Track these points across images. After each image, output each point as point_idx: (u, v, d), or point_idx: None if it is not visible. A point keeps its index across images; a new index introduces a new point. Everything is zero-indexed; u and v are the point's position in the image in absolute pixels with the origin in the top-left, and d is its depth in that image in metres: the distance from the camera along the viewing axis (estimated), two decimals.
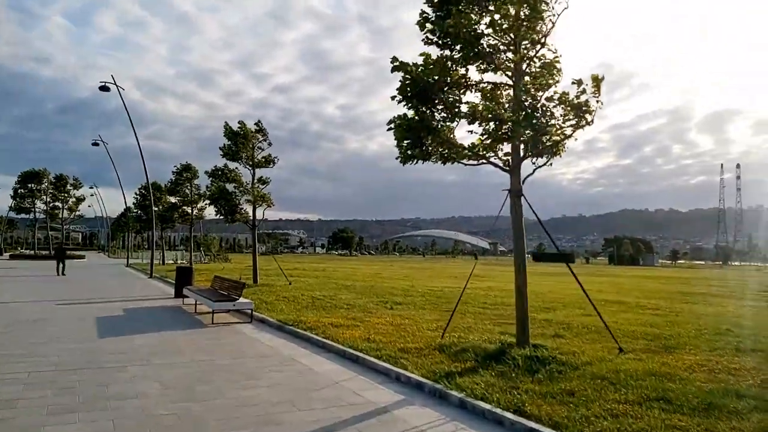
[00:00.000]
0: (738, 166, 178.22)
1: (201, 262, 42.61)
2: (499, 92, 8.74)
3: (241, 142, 22.09)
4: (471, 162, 8.71)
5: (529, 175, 8.60)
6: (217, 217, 22.70)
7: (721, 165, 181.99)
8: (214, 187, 22.20)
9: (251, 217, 22.46)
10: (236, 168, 22.63)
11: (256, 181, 22.52)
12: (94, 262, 47.67)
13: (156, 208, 33.97)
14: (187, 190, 32.72)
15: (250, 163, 22.54)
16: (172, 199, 33.73)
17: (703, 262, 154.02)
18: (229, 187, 22.32)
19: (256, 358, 8.56)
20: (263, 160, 22.77)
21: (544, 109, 8.10)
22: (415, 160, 8.99)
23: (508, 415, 5.46)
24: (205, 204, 22.42)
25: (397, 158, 9.00)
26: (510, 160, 8.57)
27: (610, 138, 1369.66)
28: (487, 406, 5.71)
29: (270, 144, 22.73)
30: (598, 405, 5.72)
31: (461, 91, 8.57)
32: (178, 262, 41.78)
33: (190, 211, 33.12)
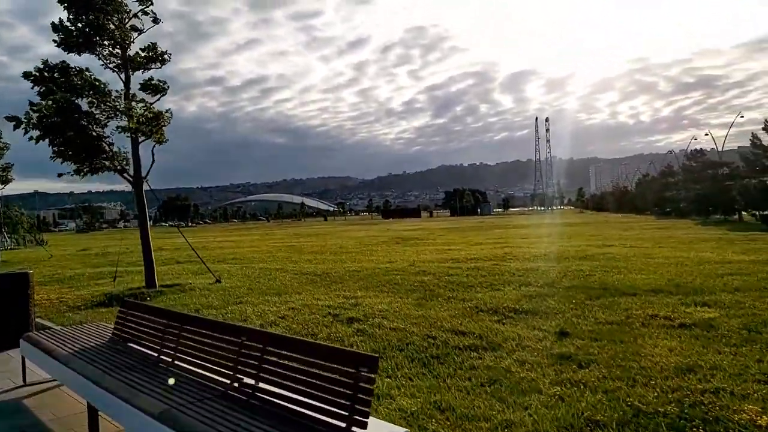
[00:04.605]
0: (547, 119, 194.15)
1: (4, 248, 28.34)
2: None
3: (99, 9, 11.26)
4: None
5: None
6: (70, 169, 11.42)
7: (536, 119, 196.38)
8: (49, 104, 11.00)
9: (130, 160, 11.97)
10: (87, 69, 11.70)
11: (137, 89, 11.96)
12: None
13: None
14: None
15: (118, 55, 11.86)
16: None
17: (528, 208, 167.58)
18: (82, 103, 11.44)
19: None
20: (144, 55, 12.20)
21: None
22: None
23: None
24: (32, 134, 10.95)
25: None
26: None
27: (426, 98, 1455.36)
28: None
29: (156, 21, 12.14)
30: None
31: None
32: None
33: None
